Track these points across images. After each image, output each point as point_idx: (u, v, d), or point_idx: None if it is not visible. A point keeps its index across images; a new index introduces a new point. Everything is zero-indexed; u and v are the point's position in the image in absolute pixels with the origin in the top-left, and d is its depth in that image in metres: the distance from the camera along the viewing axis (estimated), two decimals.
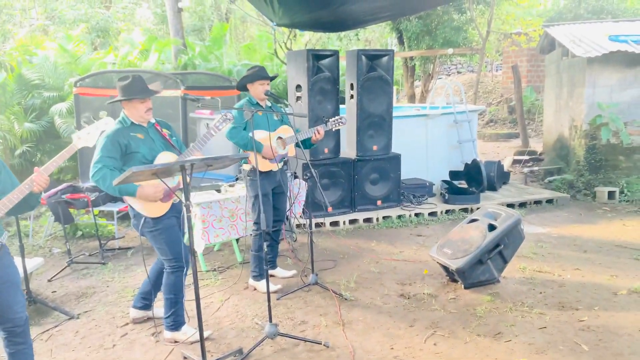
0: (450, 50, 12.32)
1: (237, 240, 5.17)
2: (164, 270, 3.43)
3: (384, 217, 6.24)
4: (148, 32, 12.91)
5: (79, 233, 5.94)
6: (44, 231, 5.98)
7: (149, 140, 3.37)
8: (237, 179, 5.33)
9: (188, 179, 2.93)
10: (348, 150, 6.50)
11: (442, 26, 12.30)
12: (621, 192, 7.09)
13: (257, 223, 4.23)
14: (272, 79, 4.25)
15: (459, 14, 12.70)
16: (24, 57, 8.28)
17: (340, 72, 6.70)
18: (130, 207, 3.38)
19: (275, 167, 4.23)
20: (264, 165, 4.17)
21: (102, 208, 5.58)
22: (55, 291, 4.48)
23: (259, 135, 4.07)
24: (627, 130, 6.98)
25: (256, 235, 4.28)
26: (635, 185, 7.17)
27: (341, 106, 6.33)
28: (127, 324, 3.79)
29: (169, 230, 3.37)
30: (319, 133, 4.24)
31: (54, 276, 4.79)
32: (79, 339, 3.60)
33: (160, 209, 3.34)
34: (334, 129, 4.40)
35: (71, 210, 5.47)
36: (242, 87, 4.25)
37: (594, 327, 3.46)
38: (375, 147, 6.33)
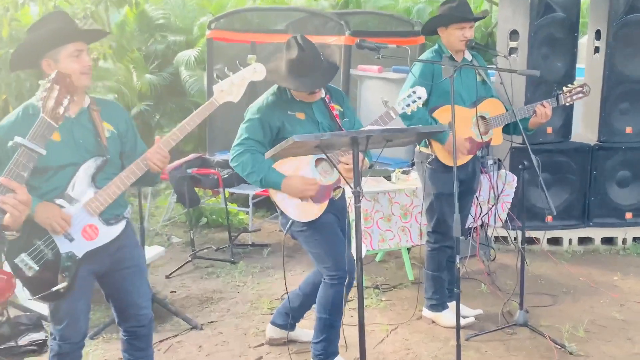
0: None
1: (409, 249, 5.26)
2: (322, 281, 3.60)
3: (634, 239, 5.93)
4: None
5: (204, 220, 6.56)
6: (162, 214, 6.71)
7: (310, 123, 3.51)
8: (412, 165, 5.34)
9: (361, 157, 2.94)
10: (584, 131, 6.26)
11: None
12: None
13: (435, 232, 4.26)
14: (477, 19, 4.22)
15: None
16: None
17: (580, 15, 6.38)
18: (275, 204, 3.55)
19: (468, 158, 4.20)
20: (451, 159, 4.11)
21: (234, 190, 6.08)
22: (174, 291, 5.03)
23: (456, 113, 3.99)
24: None
25: (433, 249, 4.31)
26: None
27: (578, 65, 6.06)
28: (262, 344, 4.10)
29: (326, 229, 3.51)
30: (544, 112, 4.09)
31: (173, 272, 5.37)
32: (204, 356, 4.00)
33: (311, 212, 3.45)
34: (568, 104, 4.27)
35: (197, 189, 6.05)
36: (430, 31, 4.23)
37: None
38: (629, 130, 5.97)
